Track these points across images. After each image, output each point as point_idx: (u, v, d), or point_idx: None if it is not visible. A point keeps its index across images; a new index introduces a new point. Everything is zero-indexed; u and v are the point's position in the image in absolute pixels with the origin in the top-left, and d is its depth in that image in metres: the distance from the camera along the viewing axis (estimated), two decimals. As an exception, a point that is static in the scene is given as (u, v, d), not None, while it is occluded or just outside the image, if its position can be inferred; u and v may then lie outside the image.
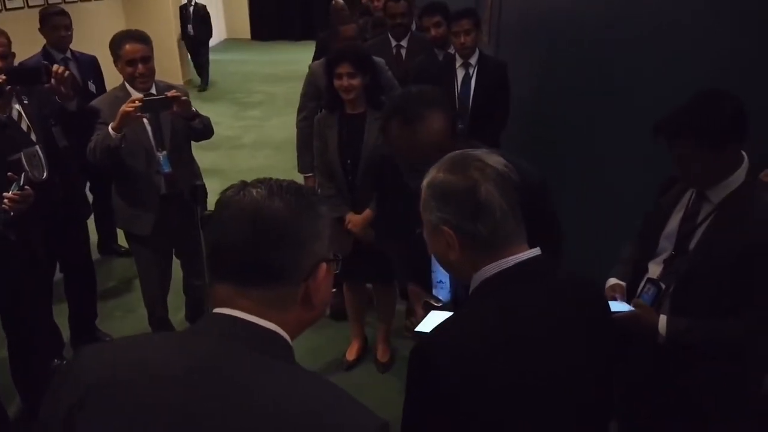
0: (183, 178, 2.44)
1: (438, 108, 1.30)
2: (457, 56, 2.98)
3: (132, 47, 2.25)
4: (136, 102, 2.12)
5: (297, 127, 3.02)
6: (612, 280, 1.56)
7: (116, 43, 2.27)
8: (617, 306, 1.43)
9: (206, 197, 2.69)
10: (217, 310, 0.76)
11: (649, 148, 1.51)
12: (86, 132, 2.51)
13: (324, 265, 0.78)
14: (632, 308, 1.41)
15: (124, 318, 3.13)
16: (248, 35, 13.66)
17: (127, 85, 2.33)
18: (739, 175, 1.32)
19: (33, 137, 2.27)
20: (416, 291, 1.54)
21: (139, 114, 2.17)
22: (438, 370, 0.83)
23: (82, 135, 2.62)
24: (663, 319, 1.37)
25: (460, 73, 2.98)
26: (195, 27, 8.31)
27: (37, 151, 2.22)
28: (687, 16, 1.82)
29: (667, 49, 1.91)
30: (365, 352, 2.84)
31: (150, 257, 2.53)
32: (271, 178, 0.80)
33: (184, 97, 2.26)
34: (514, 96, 3.09)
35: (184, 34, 8.39)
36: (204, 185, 2.72)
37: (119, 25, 7.74)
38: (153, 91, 2.33)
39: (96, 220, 3.64)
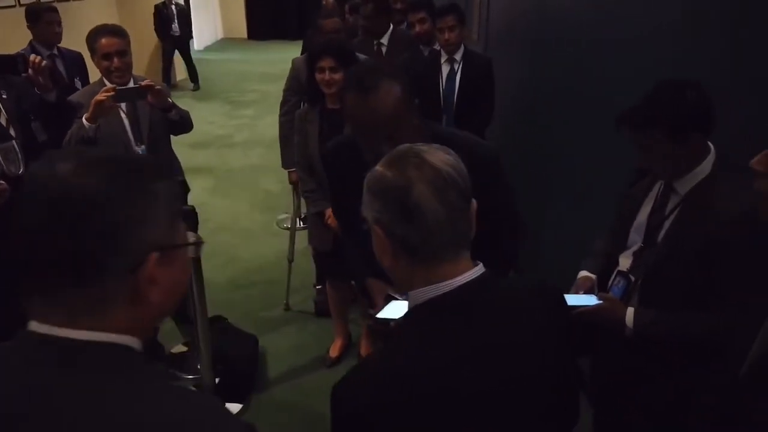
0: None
1: (394, 79, 1.28)
2: (442, 52, 2.97)
3: (108, 41, 2.25)
4: (110, 91, 2.11)
5: (279, 122, 3.02)
6: (582, 273, 1.55)
7: (92, 38, 2.27)
8: (586, 299, 1.42)
9: (186, 194, 2.69)
10: (30, 327, 0.62)
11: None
12: (67, 126, 2.49)
13: (154, 255, 0.63)
14: (600, 301, 1.40)
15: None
16: (245, 35, 13.67)
17: (105, 80, 2.33)
18: (706, 167, 1.31)
19: (12, 132, 2.25)
20: (377, 284, 1.50)
21: (113, 104, 2.15)
22: (358, 421, 0.76)
23: (63, 129, 2.61)
24: (630, 311, 1.36)
25: (445, 69, 2.97)
26: (180, 26, 8.15)
27: (13, 145, 2.21)
28: (677, 17, 1.80)
29: (664, 49, 1.88)
30: (349, 349, 2.84)
31: None
32: (88, 148, 0.69)
33: (158, 87, 2.25)
34: (504, 94, 3.08)
35: (167, 34, 8.13)
36: (185, 181, 2.72)
37: (113, 24, 7.73)
38: (131, 85, 2.31)
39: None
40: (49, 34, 3.21)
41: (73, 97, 2.39)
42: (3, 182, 1.95)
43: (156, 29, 8.03)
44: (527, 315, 0.86)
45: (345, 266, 2.37)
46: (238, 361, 2.61)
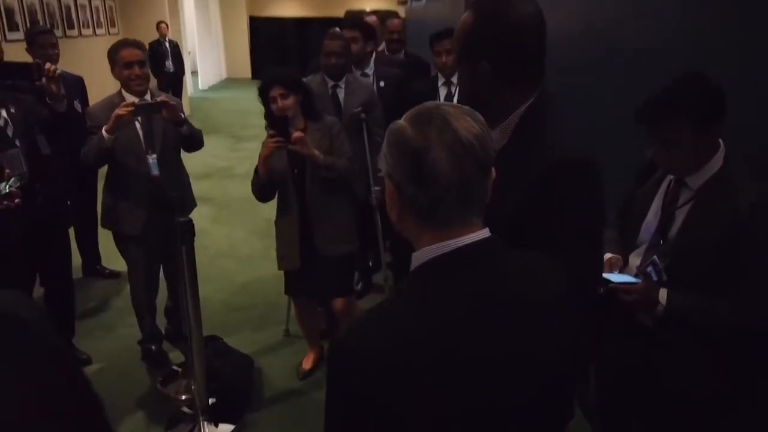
0: (171, 184, 2.49)
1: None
2: (439, 75, 3.02)
3: (129, 52, 2.40)
4: (129, 107, 2.26)
5: None
6: (607, 255, 1.52)
7: (114, 50, 2.41)
8: (625, 277, 1.42)
9: (191, 208, 2.69)
10: None
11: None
12: (71, 140, 2.51)
13: None
14: (638, 280, 1.39)
15: (104, 337, 3.05)
16: (249, 75, 14.01)
17: (124, 91, 2.45)
18: (717, 161, 1.30)
19: (17, 143, 2.29)
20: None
21: (131, 118, 2.30)
22: (363, 375, 0.72)
23: (67, 143, 2.64)
24: (664, 291, 1.34)
25: (443, 92, 3.01)
26: (174, 63, 8.24)
27: (18, 153, 2.26)
28: (670, 25, 1.81)
29: (656, 58, 1.89)
30: (322, 362, 2.78)
31: (138, 258, 2.57)
32: None
33: (172, 102, 2.39)
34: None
35: (161, 70, 8.17)
36: (192, 196, 2.74)
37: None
38: (147, 97, 2.43)
39: (77, 241, 3.58)
40: (43, 56, 3.16)
41: (91, 108, 2.50)
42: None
43: (150, 66, 8.13)
44: (534, 284, 0.83)
45: (310, 284, 2.43)
46: (232, 381, 2.53)
